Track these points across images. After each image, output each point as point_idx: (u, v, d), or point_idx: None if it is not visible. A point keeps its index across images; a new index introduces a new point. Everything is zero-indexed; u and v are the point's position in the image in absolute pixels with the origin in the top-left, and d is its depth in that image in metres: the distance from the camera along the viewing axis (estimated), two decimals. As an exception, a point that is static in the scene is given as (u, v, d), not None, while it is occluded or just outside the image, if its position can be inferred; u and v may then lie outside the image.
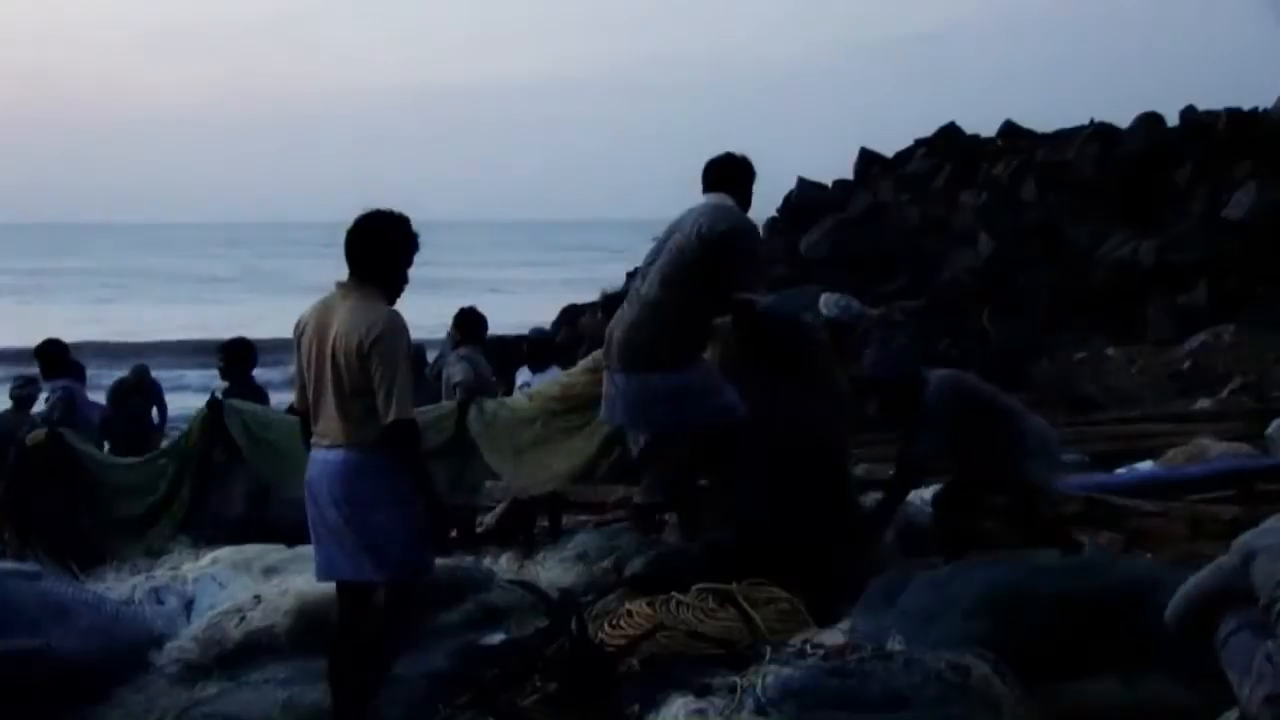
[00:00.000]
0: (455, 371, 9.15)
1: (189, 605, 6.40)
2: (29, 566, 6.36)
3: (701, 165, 6.63)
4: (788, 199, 30.31)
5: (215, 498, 8.58)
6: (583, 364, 8.21)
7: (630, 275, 13.78)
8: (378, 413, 4.80)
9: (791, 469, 6.53)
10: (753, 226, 6.75)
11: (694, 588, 5.69)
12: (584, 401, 7.65)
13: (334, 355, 4.87)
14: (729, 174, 6.63)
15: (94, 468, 8.93)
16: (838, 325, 7.42)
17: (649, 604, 5.62)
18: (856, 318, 7.70)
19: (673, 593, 5.66)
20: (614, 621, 5.58)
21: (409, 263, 5.06)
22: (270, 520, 8.27)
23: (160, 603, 6.33)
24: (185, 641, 5.94)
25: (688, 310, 6.43)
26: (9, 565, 6.26)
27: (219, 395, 8.95)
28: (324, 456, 4.95)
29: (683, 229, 6.48)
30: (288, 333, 5.16)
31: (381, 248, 4.99)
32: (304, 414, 5.11)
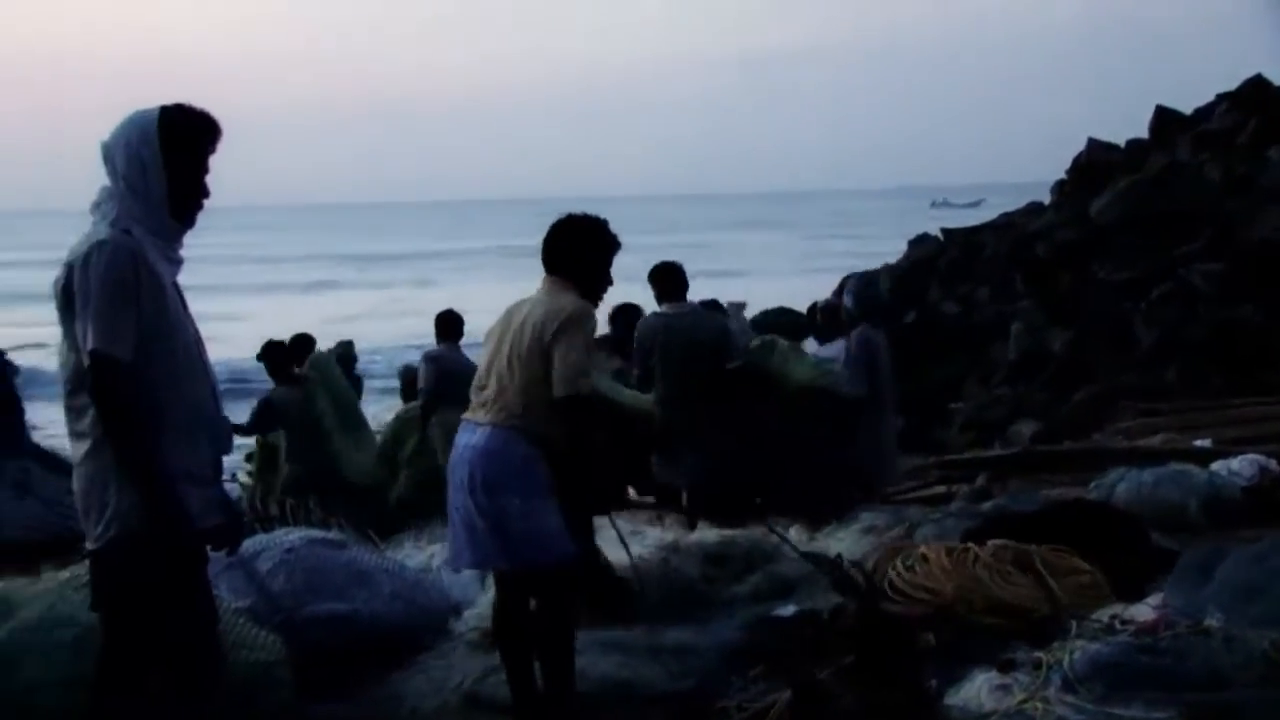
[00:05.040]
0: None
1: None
2: (335, 535, 6.60)
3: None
4: (1076, 161, 29.24)
5: None
6: None
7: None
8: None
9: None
10: None
11: (990, 543, 5.51)
12: None
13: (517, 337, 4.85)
14: None
15: None
16: None
17: (947, 552, 5.49)
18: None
19: (970, 544, 5.52)
20: (908, 562, 5.46)
21: (606, 264, 5.06)
22: None
23: (456, 571, 6.47)
24: (483, 609, 6.05)
25: None
26: (317, 534, 6.50)
27: None
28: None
29: None
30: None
31: (575, 249, 5.00)
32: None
